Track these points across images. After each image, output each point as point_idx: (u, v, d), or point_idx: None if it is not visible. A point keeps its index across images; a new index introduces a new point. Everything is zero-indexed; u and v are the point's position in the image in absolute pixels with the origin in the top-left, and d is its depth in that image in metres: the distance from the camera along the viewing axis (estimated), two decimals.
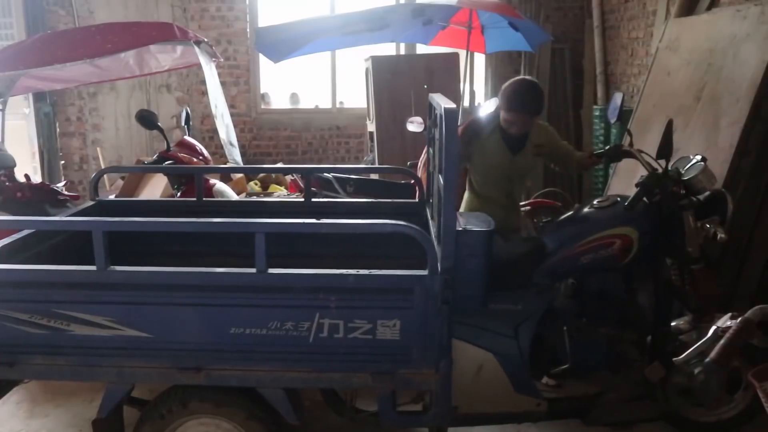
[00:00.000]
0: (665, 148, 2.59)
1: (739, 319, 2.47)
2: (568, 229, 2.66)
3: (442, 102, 2.26)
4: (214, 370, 2.18)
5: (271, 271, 2.10)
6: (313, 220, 2.30)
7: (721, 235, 2.52)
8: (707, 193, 2.62)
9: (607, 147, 3.09)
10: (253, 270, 2.09)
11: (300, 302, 2.13)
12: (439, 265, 2.09)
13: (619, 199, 2.66)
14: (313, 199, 3.31)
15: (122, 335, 2.15)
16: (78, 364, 2.21)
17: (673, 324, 2.71)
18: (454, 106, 2.17)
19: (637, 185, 2.61)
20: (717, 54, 4.16)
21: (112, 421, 2.32)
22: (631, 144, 2.93)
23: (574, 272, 2.59)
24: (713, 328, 2.57)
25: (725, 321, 2.56)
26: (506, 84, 3.11)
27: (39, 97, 6.71)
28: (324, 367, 2.19)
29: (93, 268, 2.11)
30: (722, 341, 2.45)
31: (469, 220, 2.39)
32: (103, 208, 3.17)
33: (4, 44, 5.71)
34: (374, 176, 5.16)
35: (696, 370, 2.63)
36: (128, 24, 4.86)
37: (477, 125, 3.26)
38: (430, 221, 2.74)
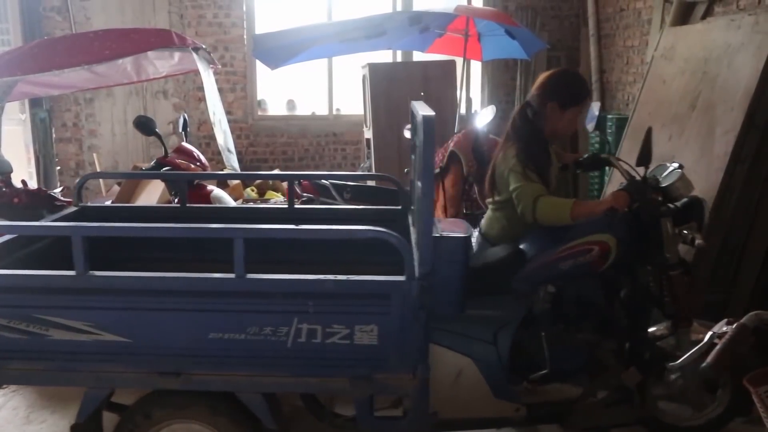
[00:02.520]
0: (644, 156, 2.62)
1: (735, 324, 2.50)
2: (546, 235, 2.67)
3: (421, 109, 2.27)
4: (193, 375, 2.18)
5: (250, 276, 2.10)
6: (292, 226, 2.31)
7: (698, 241, 2.55)
8: (685, 199, 2.65)
9: (585, 156, 3.10)
10: (232, 275, 2.10)
11: (278, 307, 2.14)
12: (416, 270, 2.11)
13: None
14: (296, 206, 3.29)
15: (101, 340, 2.15)
16: (56, 369, 2.20)
17: (651, 330, 2.73)
18: (432, 113, 2.18)
19: None
20: (712, 63, 4.20)
21: (90, 427, 2.32)
22: (609, 152, 2.95)
23: (553, 279, 2.59)
24: (709, 333, 2.60)
25: (721, 327, 2.59)
26: (558, 79, 2.78)
27: (35, 103, 6.72)
28: (302, 371, 2.19)
29: (72, 273, 2.10)
30: (718, 346, 2.48)
31: (447, 226, 2.40)
32: (87, 213, 3.14)
33: (1, 50, 5.71)
34: (371, 182, 5.17)
35: (673, 377, 2.67)
36: (126, 30, 4.87)
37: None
38: (411, 227, 2.74)
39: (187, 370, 2.18)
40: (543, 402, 2.66)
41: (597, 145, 6.15)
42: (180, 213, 3.21)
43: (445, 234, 2.28)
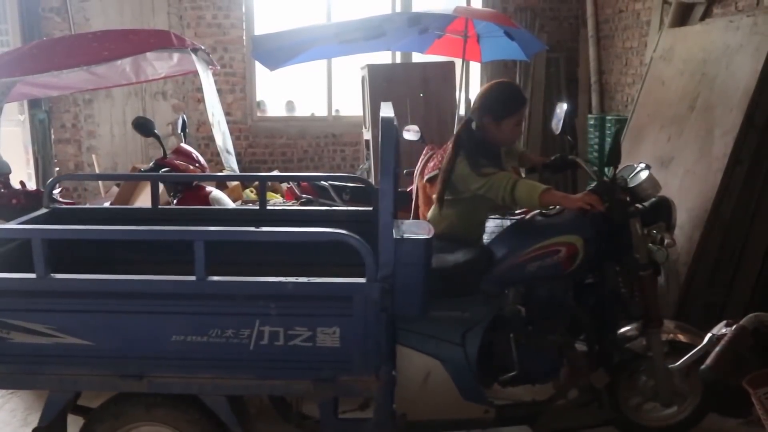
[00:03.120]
0: (613, 156, 2.62)
1: (734, 326, 2.49)
2: (514, 237, 2.68)
3: (383, 111, 2.29)
4: (156, 378, 2.18)
5: (211, 278, 2.10)
6: (251, 228, 2.30)
7: (667, 240, 2.56)
8: (653, 199, 2.65)
9: (552, 158, 3.09)
10: (193, 278, 2.10)
11: (240, 310, 2.14)
12: (377, 272, 2.11)
13: None
14: (269, 207, 3.27)
15: (63, 343, 2.15)
16: (18, 372, 2.20)
17: (621, 331, 2.74)
18: (391, 115, 2.20)
19: None
20: (710, 64, 4.20)
21: (55, 430, 2.31)
22: (576, 153, 2.96)
23: (521, 280, 2.59)
24: (708, 335, 2.60)
25: (720, 328, 2.58)
26: (490, 93, 2.87)
27: (34, 104, 6.71)
28: (265, 374, 2.20)
29: (32, 275, 2.09)
30: (717, 348, 2.47)
31: (409, 228, 2.39)
32: (58, 215, 3.09)
33: (0, 51, 5.71)
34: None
35: (644, 378, 2.69)
36: (125, 31, 4.88)
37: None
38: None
39: (150, 372, 2.18)
40: (512, 404, 2.67)
41: (596, 147, 6.15)
42: (152, 214, 3.17)
43: (406, 236, 2.26)
